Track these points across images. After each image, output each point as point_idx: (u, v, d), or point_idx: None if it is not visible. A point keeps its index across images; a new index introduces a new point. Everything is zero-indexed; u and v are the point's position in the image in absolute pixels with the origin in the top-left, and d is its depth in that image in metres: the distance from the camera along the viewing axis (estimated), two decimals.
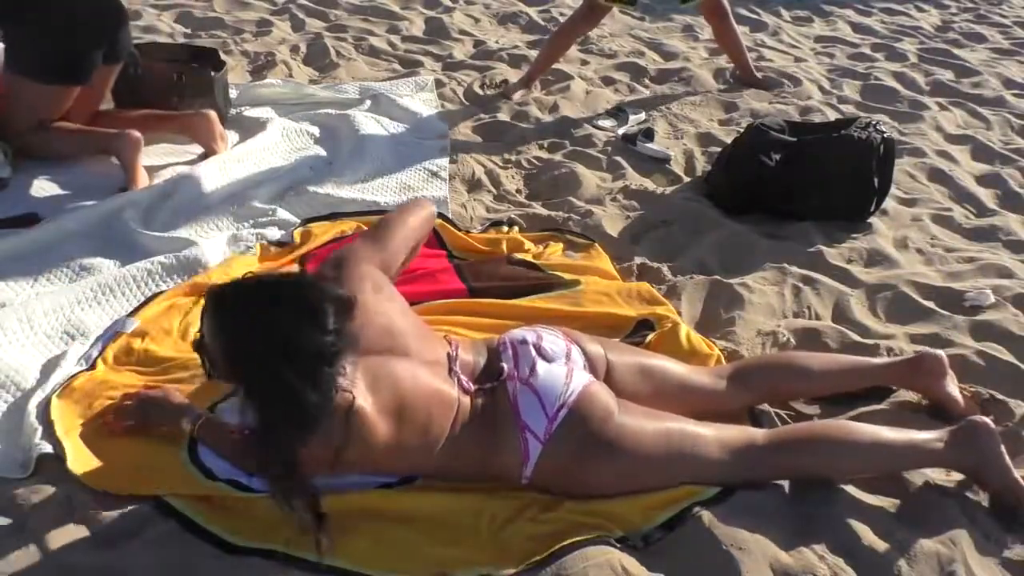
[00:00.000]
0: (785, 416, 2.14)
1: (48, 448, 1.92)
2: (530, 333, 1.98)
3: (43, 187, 3.11)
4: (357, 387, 1.65)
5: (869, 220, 3.15)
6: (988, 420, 1.93)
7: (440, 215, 2.99)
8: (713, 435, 1.88)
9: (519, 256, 2.76)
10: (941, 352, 2.19)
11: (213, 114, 3.41)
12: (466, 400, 1.84)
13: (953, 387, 2.16)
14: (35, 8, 3.02)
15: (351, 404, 1.62)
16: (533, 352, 1.91)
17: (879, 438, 1.90)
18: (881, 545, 1.76)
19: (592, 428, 1.81)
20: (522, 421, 1.81)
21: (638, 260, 2.83)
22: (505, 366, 1.89)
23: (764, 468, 1.88)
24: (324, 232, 2.85)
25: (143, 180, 3.13)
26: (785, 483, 1.90)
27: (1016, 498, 1.87)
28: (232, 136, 3.59)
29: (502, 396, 1.85)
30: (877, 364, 2.22)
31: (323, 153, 3.50)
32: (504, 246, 2.84)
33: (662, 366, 2.09)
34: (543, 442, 1.80)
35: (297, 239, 2.83)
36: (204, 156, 3.37)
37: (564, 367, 1.89)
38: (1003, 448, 1.89)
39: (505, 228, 2.98)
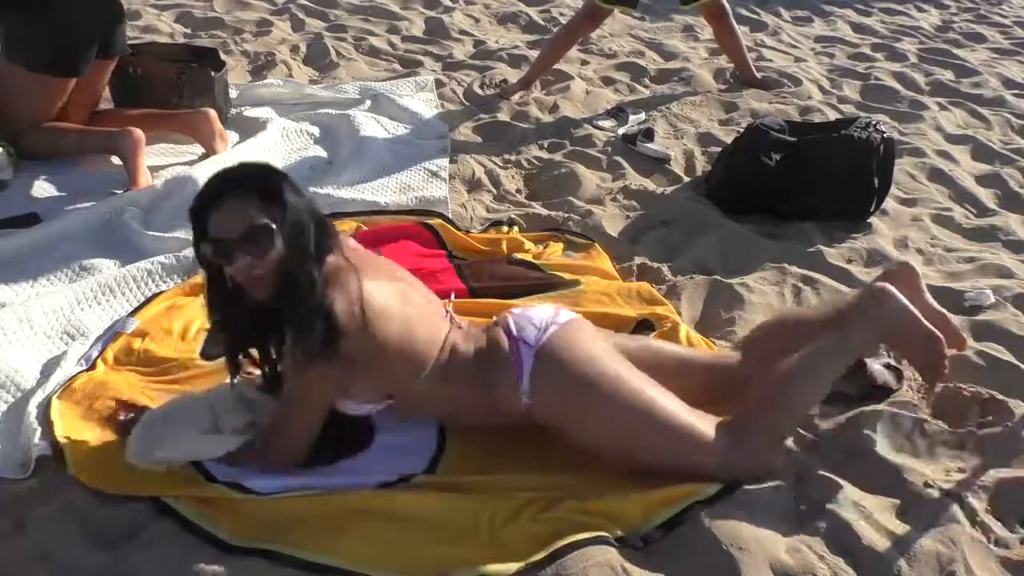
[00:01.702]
0: None
1: (47, 450, 1.92)
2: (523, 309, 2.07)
3: (43, 187, 3.11)
4: (362, 271, 1.82)
5: (869, 220, 3.15)
6: (885, 286, 2.01)
7: (440, 215, 3.00)
8: (695, 419, 1.89)
9: (519, 256, 2.76)
10: (911, 263, 2.26)
11: (213, 113, 3.40)
12: (459, 334, 1.99)
13: (930, 299, 2.17)
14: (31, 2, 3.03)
15: (359, 284, 1.78)
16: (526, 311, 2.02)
17: (816, 372, 1.95)
18: (881, 545, 1.76)
19: (579, 353, 1.89)
20: (515, 335, 1.92)
21: (638, 260, 2.83)
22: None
23: (745, 441, 1.88)
24: None
25: (145, 179, 3.13)
26: (785, 483, 1.90)
27: (931, 343, 1.95)
28: (232, 136, 3.59)
29: (497, 327, 1.98)
30: (858, 293, 2.22)
31: (323, 153, 3.50)
32: (504, 246, 2.84)
33: (662, 343, 2.19)
34: (534, 347, 1.89)
35: None
36: (204, 156, 3.38)
37: (553, 307, 2.04)
38: (908, 305, 1.97)
39: (505, 228, 2.98)
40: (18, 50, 3.11)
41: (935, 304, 2.18)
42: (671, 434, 1.87)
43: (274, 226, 1.75)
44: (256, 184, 1.80)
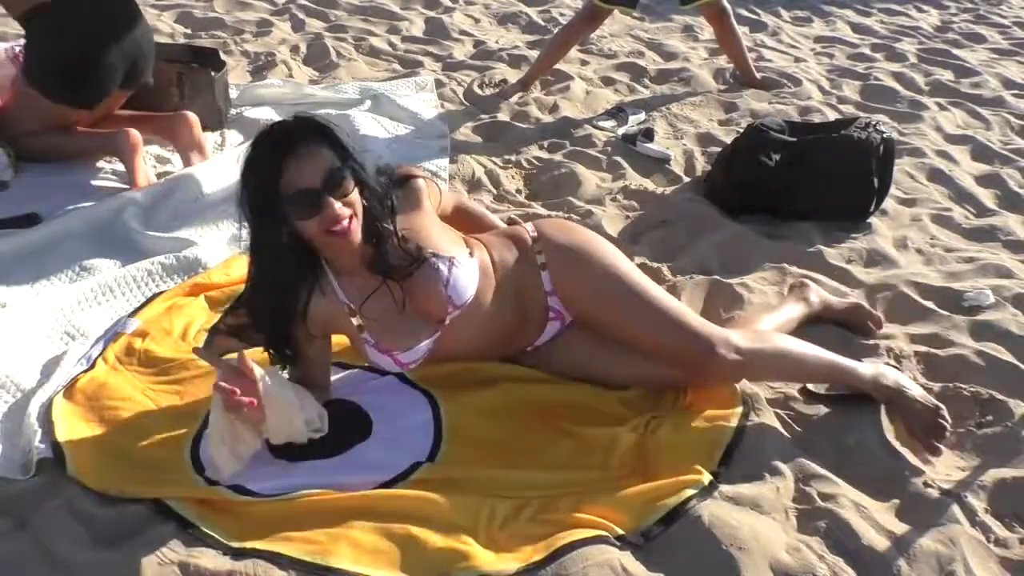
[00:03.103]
0: (784, 416, 2.14)
1: (47, 452, 1.92)
2: None
3: (43, 187, 3.10)
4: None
5: (869, 220, 3.15)
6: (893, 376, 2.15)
7: None
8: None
9: None
10: (800, 278, 2.62)
11: (193, 118, 3.32)
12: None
13: (827, 295, 2.53)
14: (61, 30, 3.02)
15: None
16: None
17: (822, 359, 2.13)
18: (881, 545, 1.76)
19: (577, 229, 2.21)
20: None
21: (638, 260, 2.83)
22: None
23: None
24: None
25: (145, 179, 3.13)
26: (785, 483, 1.90)
27: (933, 413, 2.06)
28: (235, 136, 3.59)
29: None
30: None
31: None
32: None
33: None
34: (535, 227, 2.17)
35: None
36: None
37: None
38: (912, 387, 2.12)
39: None
40: (39, 76, 3.07)
41: (839, 300, 2.53)
42: (667, 300, 2.09)
43: (347, 166, 1.82)
44: (319, 128, 1.83)
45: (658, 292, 2.11)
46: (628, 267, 2.14)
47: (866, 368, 2.16)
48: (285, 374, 2.01)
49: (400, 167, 2.07)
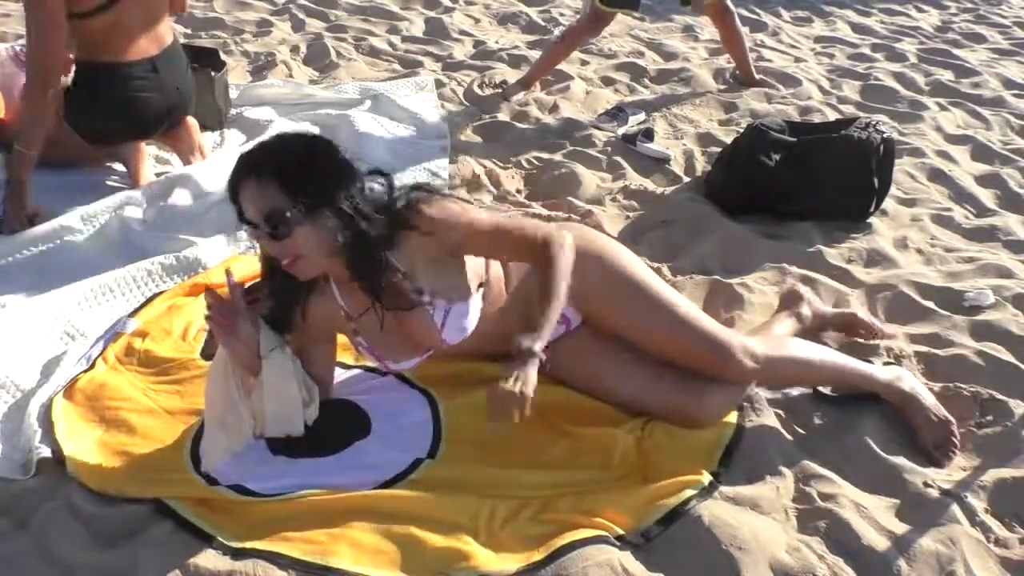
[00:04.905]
0: (784, 416, 2.14)
1: (47, 452, 1.92)
2: None
3: (43, 187, 3.10)
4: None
5: (869, 220, 3.15)
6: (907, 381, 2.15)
7: None
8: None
9: None
10: (792, 285, 2.56)
11: (191, 122, 3.28)
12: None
13: (819, 305, 2.48)
14: (110, 102, 2.99)
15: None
16: None
17: (836, 363, 2.17)
18: (881, 545, 1.76)
19: (590, 234, 2.15)
20: None
21: None
22: None
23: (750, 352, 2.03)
24: None
25: (147, 182, 3.12)
26: (785, 483, 1.90)
27: (944, 427, 2.06)
28: (236, 136, 3.59)
29: None
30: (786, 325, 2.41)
31: None
32: None
33: None
34: None
35: None
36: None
37: None
38: (926, 396, 2.12)
39: None
40: (77, 124, 3.01)
41: (832, 311, 2.48)
42: (685, 306, 2.08)
43: (292, 211, 1.70)
44: (280, 164, 1.74)
45: (675, 298, 2.09)
46: (644, 272, 2.12)
47: (881, 372, 2.17)
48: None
49: (419, 200, 1.91)
